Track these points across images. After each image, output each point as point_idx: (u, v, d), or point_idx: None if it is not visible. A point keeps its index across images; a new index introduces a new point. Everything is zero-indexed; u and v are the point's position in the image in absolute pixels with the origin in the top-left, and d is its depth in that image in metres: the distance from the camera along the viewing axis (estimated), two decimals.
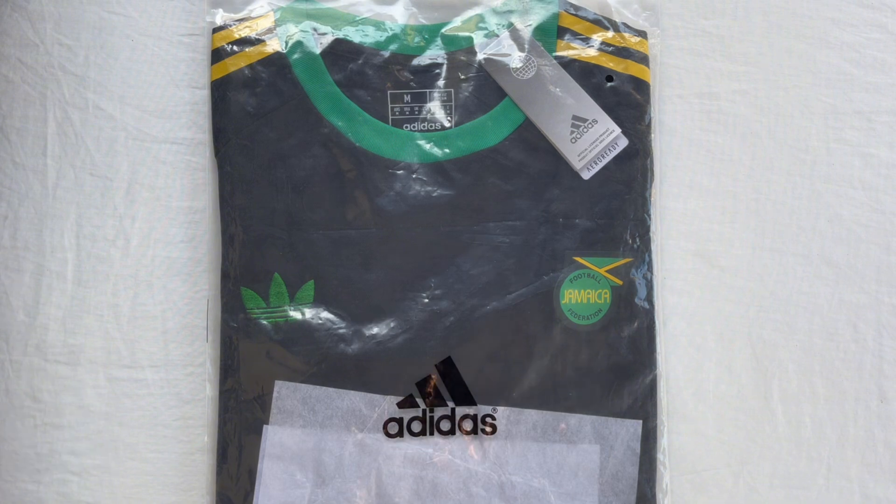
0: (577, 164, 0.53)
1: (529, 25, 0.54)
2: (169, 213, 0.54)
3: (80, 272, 0.54)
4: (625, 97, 0.53)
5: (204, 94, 0.54)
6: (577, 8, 0.54)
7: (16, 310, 0.54)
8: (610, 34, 0.54)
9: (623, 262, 0.53)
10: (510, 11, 0.54)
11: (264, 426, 0.51)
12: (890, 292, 0.56)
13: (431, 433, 0.52)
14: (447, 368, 0.52)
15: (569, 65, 0.53)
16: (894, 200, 0.56)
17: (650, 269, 0.53)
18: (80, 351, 0.54)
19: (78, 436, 0.53)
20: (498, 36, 0.54)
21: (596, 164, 0.53)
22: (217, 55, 0.52)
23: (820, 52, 0.57)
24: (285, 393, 0.51)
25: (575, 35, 0.54)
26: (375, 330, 0.51)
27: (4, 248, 0.54)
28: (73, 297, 0.54)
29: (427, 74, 0.53)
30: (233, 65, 0.52)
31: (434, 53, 0.53)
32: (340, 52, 0.53)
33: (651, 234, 0.53)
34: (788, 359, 0.55)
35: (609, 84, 0.53)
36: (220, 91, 0.52)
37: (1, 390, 0.53)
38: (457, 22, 0.54)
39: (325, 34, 0.53)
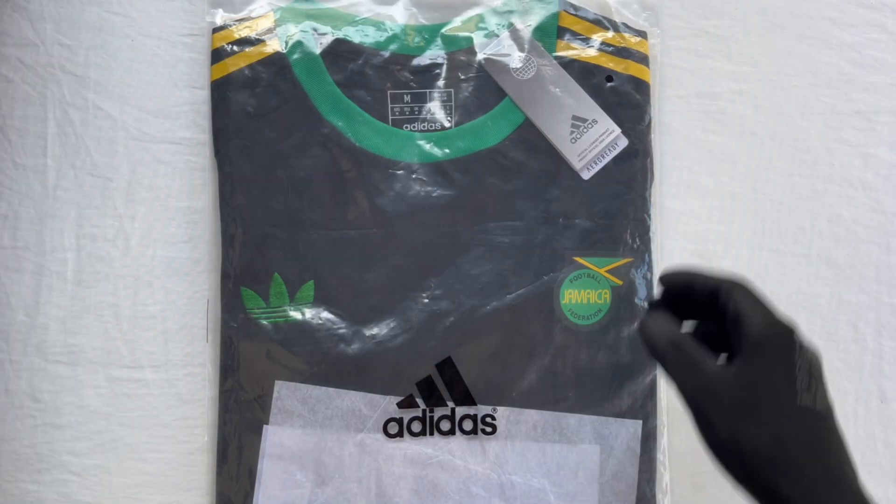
0: (577, 165, 0.53)
1: (529, 25, 0.54)
2: (169, 213, 0.54)
3: (80, 272, 0.54)
4: (625, 97, 0.53)
5: (204, 95, 0.54)
6: (576, 8, 0.54)
7: (16, 310, 0.54)
8: (610, 34, 0.54)
9: (623, 262, 0.53)
10: (510, 11, 0.54)
11: (264, 426, 0.51)
12: (890, 292, 0.56)
13: (431, 433, 0.52)
14: (447, 368, 0.52)
15: (569, 65, 0.53)
16: (894, 200, 0.56)
17: (650, 269, 0.53)
18: (80, 351, 0.54)
19: (78, 436, 0.53)
20: (498, 36, 0.54)
21: (596, 164, 0.53)
22: (217, 55, 0.52)
23: (820, 52, 0.57)
24: (285, 393, 0.51)
25: (575, 35, 0.54)
26: (375, 330, 0.51)
27: (4, 248, 0.54)
28: (73, 297, 0.54)
29: (427, 74, 0.53)
30: (233, 65, 0.52)
31: (434, 53, 0.53)
32: (340, 52, 0.53)
33: (651, 235, 0.53)
34: None
35: (609, 84, 0.53)
36: (220, 91, 0.52)
37: (1, 390, 0.53)
38: (457, 22, 0.54)
39: (325, 34, 0.53)
